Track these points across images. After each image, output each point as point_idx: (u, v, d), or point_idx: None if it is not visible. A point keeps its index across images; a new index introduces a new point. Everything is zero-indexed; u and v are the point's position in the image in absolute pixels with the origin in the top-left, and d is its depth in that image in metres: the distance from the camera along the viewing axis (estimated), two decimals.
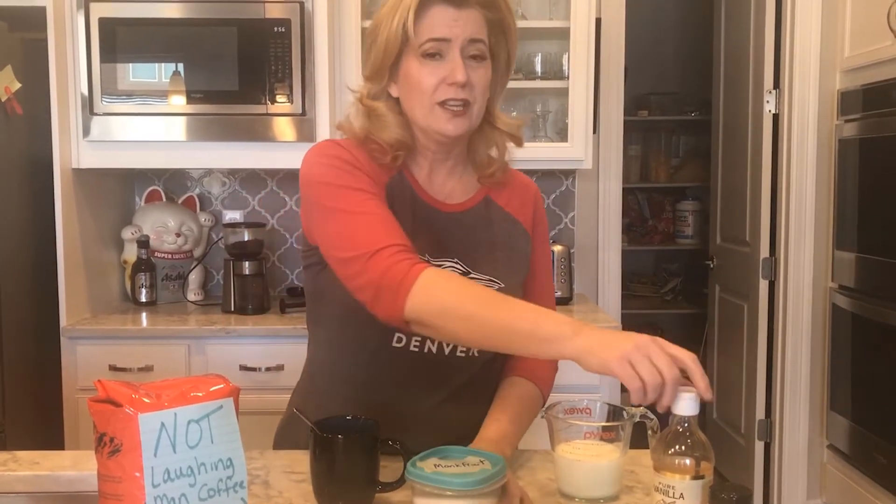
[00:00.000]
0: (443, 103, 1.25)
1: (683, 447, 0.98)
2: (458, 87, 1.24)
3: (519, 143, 1.39)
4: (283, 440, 1.43)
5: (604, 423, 1.19)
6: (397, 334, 1.27)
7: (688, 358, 0.98)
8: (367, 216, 1.20)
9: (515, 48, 1.34)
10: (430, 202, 1.34)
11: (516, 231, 1.39)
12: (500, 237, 1.37)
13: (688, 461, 0.97)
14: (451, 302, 1.12)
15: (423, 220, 1.32)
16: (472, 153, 1.38)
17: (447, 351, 1.29)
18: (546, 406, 1.05)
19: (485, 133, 1.36)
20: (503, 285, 1.31)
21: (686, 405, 0.98)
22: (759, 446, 3.32)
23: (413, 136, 1.32)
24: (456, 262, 1.31)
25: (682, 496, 0.97)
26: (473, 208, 1.37)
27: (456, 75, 1.23)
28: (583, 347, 1.02)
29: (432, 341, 1.28)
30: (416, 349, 1.28)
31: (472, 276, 1.30)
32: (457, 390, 1.32)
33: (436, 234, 1.31)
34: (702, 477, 0.98)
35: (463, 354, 1.30)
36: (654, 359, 0.97)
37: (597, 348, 1.01)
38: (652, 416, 1.17)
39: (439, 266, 1.26)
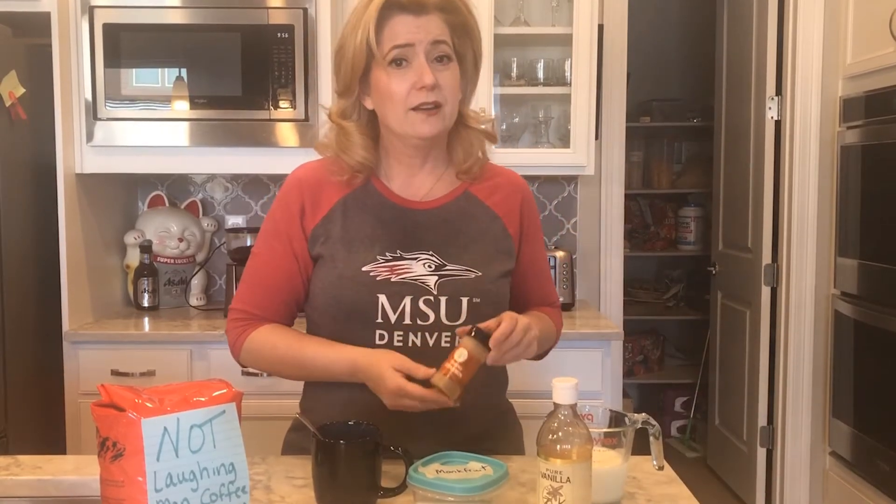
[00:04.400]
0: (416, 108, 1.30)
1: (567, 434, 1.03)
2: (427, 90, 1.29)
3: (493, 140, 1.45)
4: (291, 446, 1.43)
5: (606, 430, 1.19)
6: (378, 331, 1.32)
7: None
8: (257, 269, 1.41)
9: (480, 48, 1.39)
10: (401, 203, 1.38)
11: (495, 226, 1.41)
12: (478, 230, 1.40)
13: (571, 447, 1.03)
14: (268, 365, 1.40)
15: (393, 220, 1.37)
16: (450, 153, 1.42)
17: (431, 342, 1.32)
18: (549, 413, 1.06)
19: (460, 133, 1.40)
20: (479, 274, 1.35)
21: (566, 394, 1.04)
22: (761, 453, 3.31)
23: (377, 157, 1.39)
24: (431, 255, 1.35)
25: (568, 480, 1.02)
26: (451, 202, 1.40)
27: (424, 79, 1.28)
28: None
29: (415, 334, 1.32)
30: (400, 344, 1.32)
31: (446, 267, 1.34)
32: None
33: (408, 231, 1.36)
34: (585, 460, 1.04)
35: (447, 345, 1.32)
36: (406, 404, 1.21)
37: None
38: (654, 422, 1.18)
39: (414, 259, 1.33)
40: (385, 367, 1.22)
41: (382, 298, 1.31)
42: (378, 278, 1.32)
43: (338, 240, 1.35)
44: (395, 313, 1.31)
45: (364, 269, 1.32)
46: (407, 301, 1.31)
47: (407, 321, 1.31)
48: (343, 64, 1.33)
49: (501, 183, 1.45)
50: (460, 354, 1.18)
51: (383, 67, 1.30)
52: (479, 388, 1.38)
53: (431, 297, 1.32)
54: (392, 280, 1.32)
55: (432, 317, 1.32)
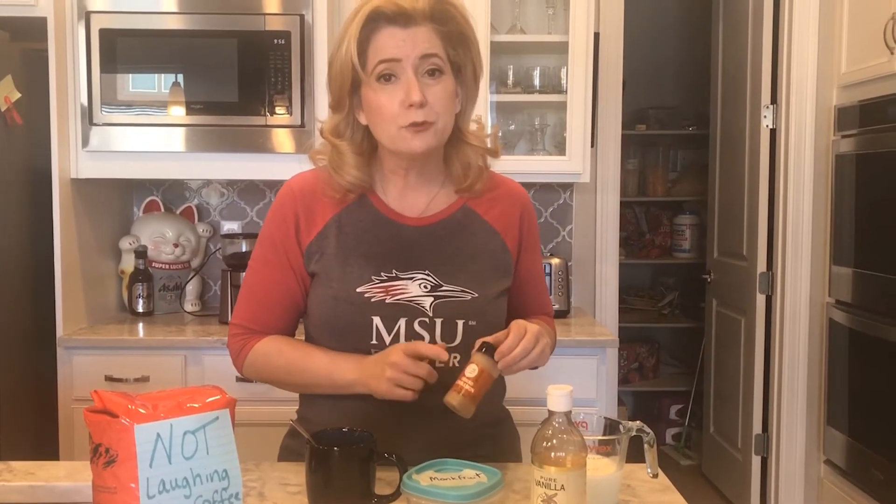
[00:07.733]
0: (406, 126, 1.25)
1: (561, 441, 1.03)
2: (416, 107, 1.23)
3: (495, 155, 1.40)
4: (288, 452, 1.43)
5: (600, 437, 1.19)
6: (374, 351, 1.29)
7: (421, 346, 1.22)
8: (254, 284, 1.38)
9: (480, 58, 1.34)
10: (397, 219, 1.35)
11: (494, 242, 1.38)
12: (476, 247, 1.37)
13: (566, 454, 1.03)
14: (270, 378, 1.39)
15: (389, 237, 1.34)
16: (447, 167, 1.38)
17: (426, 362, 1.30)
18: (543, 421, 1.06)
19: (457, 148, 1.36)
20: (476, 295, 1.33)
21: (560, 401, 1.05)
22: (755, 461, 3.31)
23: (371, 174, 1.35)
24: (427, 275, 1.32)
25: (562, 487, 1.02)
26: (448, 218, 1.37)
27: (411, 96, 1.23)
28: (364, 385, 1.26)
29: (408, 338, 1.30)
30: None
31: (442, 287, 1.32)
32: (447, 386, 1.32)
33: (405, 249, 1.33)
34: (580, 468, 1.03)
35: (441, 365, 1.28)
36: (408, 370, 1.20)
37: (372, 384, 1.24)
38: (648, 430, 1.18)
39: (410, 279, 1.31)
40: (392, 349, 1.23)
41: (377, 320, 1.29)
42: (373, 300, 1.30)
43: (332, 257, 1.32)
44: (389, 335, 1.30)
45: (359, 290, 1.30)
46: (402, 323, 1.30)
47: (402, 342, 1.29)
48: (333, 78, 1.30)
49: (501, 195, 1.41)
50: (471, 371, 1.19)
51: (371, 83, 1.26)
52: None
53: (427, 319, 1.30)
54: (387, 301, 1.30)
55: (427, 339, 1.30)
